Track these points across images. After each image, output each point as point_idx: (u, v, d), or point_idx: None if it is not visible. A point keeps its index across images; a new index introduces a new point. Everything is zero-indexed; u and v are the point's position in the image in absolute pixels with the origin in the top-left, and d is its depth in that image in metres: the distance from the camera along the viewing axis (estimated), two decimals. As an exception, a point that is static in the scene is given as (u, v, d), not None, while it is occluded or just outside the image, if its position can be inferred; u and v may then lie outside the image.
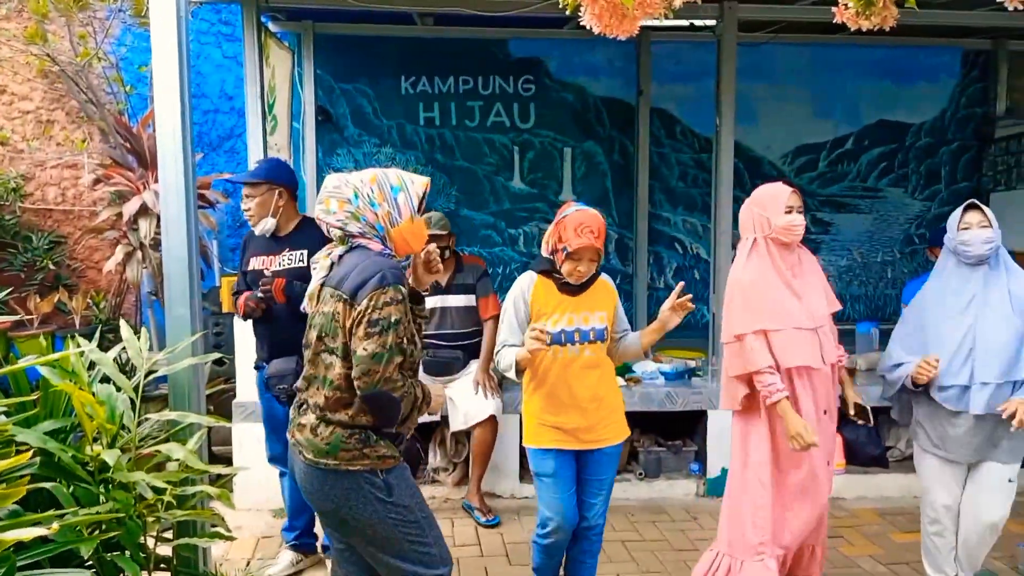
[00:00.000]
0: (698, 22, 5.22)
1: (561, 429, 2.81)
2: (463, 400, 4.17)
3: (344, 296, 2.11)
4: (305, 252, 3.27)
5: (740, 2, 4.42)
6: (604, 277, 2.92)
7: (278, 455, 3.45)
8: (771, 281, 2.83)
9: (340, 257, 2.23)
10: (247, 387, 4.18)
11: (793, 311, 2.80)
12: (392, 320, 2.07)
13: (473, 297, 4.28)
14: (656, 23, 5.53)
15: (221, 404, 4.49)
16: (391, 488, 2.17)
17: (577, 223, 2.69)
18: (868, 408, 2.94)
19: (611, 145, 6.09)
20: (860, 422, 2.94)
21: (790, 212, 2.83)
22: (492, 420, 4.13)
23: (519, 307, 2.82)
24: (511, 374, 2.79)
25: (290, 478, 3.39)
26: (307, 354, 2.25)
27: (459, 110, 5.94)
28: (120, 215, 4.54)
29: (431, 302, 4.20)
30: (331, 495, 2.16)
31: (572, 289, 2.80)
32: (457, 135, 5.97)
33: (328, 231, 2.26)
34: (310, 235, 3.23)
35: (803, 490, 2.87)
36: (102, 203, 4.99)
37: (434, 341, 4.27)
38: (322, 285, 2.23)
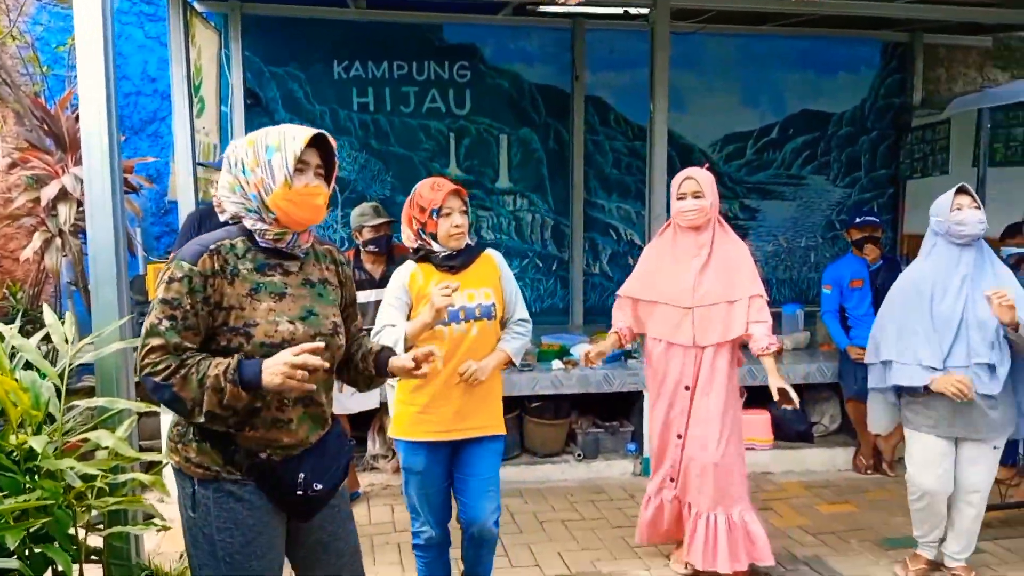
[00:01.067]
0: (632, 10, 5.30)
1: (436, 417, 2.63)
2: (402, 386, 4.14)
3: None
4: None
5: (671, -10, 4.51)
6: (489, 251, 2.80)
7: None
8: (661, 259, 3.16)
9: None
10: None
11: (669, 289, 3.10)
12: (158, 299, 1.75)
13: None
14: (591, 10, 5.62)
15: (147, 398, 4.34)
16: (196, 503, 1.82)
17: (428, 185, 2.65)
18: (790, 391, 3.02)
19: (547, 132, 6.13)
20: (787, 407, 3.05)
21: (683, 199, 3.05)
22: (431, 405, 4.11)
23: (400, 296, 2.66)
24: (399, 350, 2.38)
25: None
26: None
27: (394, 96, 5.88)
28: (38, 200, 4.34)
29: (367, 296, 4.14)
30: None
31: (452, 268, 2.67)
32: (392, 121, 5.90)
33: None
34: None
35: (665, 452, 3.23)
36: (17, 189, 4.75)
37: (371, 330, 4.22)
38: None
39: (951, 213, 3.03)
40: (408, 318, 2.64)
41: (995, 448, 3.13)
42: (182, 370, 1.71)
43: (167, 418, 4.02)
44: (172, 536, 3.54)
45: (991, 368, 2.96)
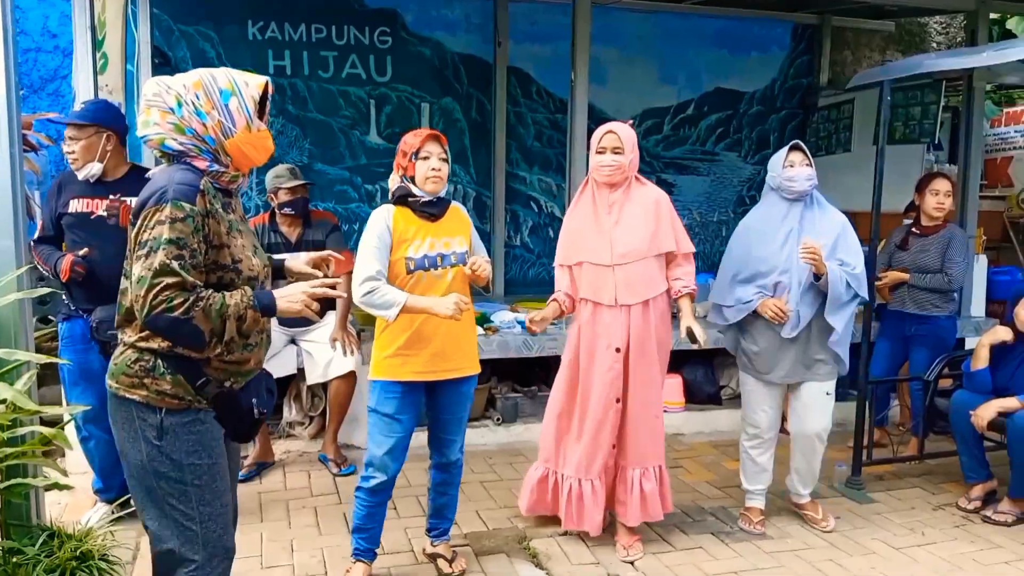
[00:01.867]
0: (553, -19, 5.33)
1: (416, 358, 2.76)
2: (321, 353, 4.10)
3: (132, 218, 1.91)
4: (135, 200, 3.08)
5: (593, -38, 4.56)
6: (456, 204, 2.95)
7: (90, 416, 3.16)
8: (582, 218, 3.15)
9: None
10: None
11: (592, 247, 3.10)
12: (163, 239, 1.78)
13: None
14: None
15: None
16: (164, 432, 1.87)
17: (411, 133, 2.83)
18: (697, 332, 3.15)
19: (469, 102, 6.11)
20: (693, 345, 3.18)
21: (602, 152, 3.07)
22: (351, 374, 4.09)
23: (383, 236, 2.74)
24: (388, 313, 2.65)
25: (98, 438, 3.23)
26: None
27: (312, 60, 5.74)
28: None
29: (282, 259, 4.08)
30: (114, 420, 1.93)
31: (430, 215, 2.80)
32: (310, 86, 5.76)
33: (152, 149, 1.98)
34: (141, 183, 3.06)
35: (588, 419, 3.17)
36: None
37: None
38: None
39: (783, 169, 3.24)
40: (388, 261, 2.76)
41: (827, 394, 3.39)
42: (200, 303, 1.80)
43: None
44: (76, 506, 3.43)
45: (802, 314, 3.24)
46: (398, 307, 2.63)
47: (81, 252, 3.14)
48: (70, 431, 3.31)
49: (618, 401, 3.15)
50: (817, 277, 3.20)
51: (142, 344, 1.88)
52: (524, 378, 4.80)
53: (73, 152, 3.19)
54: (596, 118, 6.18)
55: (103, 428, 3.06)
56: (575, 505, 3.23)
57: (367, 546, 2.93)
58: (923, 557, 3.29)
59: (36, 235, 3.34)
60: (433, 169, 2.74)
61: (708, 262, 6.78)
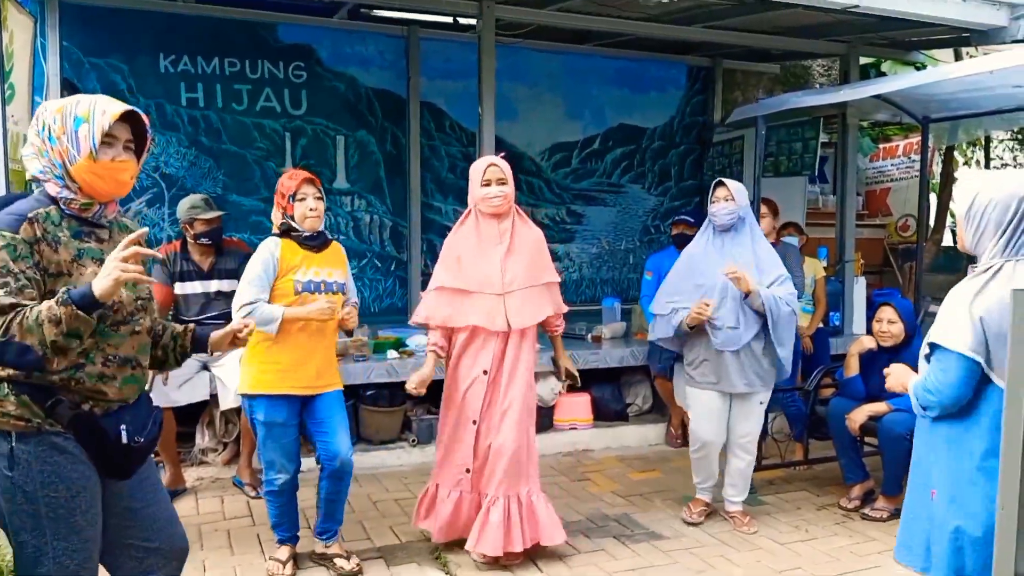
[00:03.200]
0: (463, 20, 5.61)
1: (299, 375, 3.06)
2: (233, 378, 4.13)
3: None
4: None
5: (497, 3, 4.85)
6: (336, 243, 3.30)
7: None
8: (467, 247, 3.25)
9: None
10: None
11: (478, 277, 3.20)
12: None
13: (236, 282, 4.20)
14: (423, 18, 5.87)
15: None
16: (15, 461, 1.79)
17: (287, 175, 3.17)
18: (573, 370, 3.50)
19: (383, 135, 6.29)
20: (568, 382, 3.50)
21: (487, 185, 3.21)
22: (264, 396, 4.14)
23: (268, 265, 3.05)
24: (271, 327, 2.98)
25: None
26: None
27: (225, 93, 5.82)
28: None
29: (193, 287, 4.14)
30: None
31: (312, 246, 3.14)
32: (224, 118, 5.83)
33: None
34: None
35: (460, 439, 3.27)
36: None
37: (201, 322, 4.19)
38: None
39: (710, 204, 3.64)
40: (271, 291, 3.05)
41: (760, 403, 3.72)
42: (17, 318, 1.71)
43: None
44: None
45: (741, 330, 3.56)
46: (278, 320, 2.97)
47: None
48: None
49: (474, 423, 3.23)
50: (746, 295, 3.52)
51: None
52: (438, 400, 4.92)
53: None
54: (506, 151, 6.47)
55: None
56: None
57: (288, 534, 3.24)
58: (805, 550, 3.57)
59: None
60: (311, 209, 3.07)
61: (617, 288, 7.11)
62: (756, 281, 3.51)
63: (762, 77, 7.54)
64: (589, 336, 5.48)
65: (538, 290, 3.29)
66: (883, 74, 7.22)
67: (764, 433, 4.62)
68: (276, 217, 3.16)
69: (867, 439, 4.09)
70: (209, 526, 3.70)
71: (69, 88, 5.38)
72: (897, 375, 2.41)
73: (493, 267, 3.20)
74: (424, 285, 6.38)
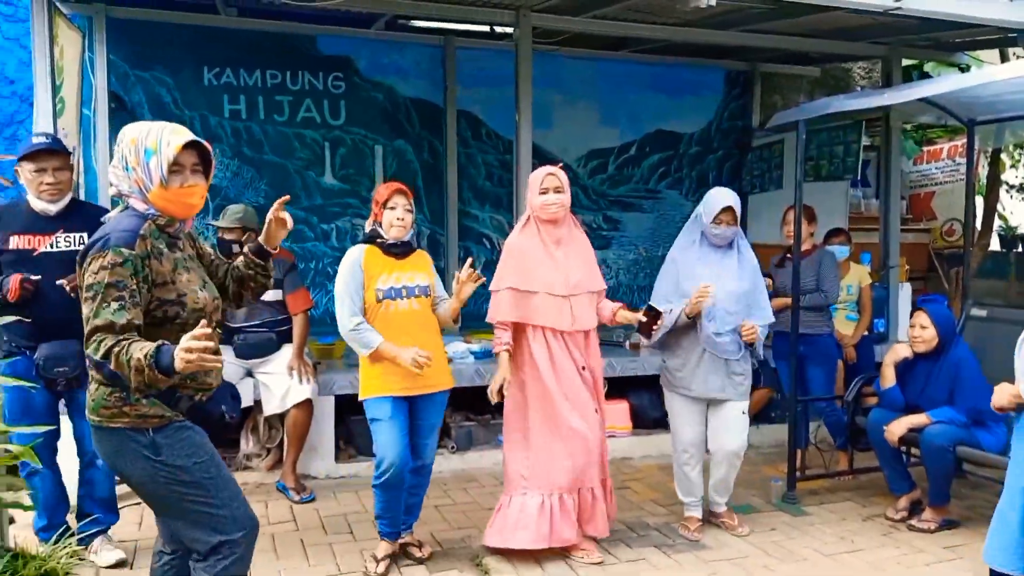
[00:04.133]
0: (499, 29, 5.64)
1: (396, 376, 3.18)
2: (278, 383, 4.21)
3: (79, 259, 2.08)
4: (85, 235, 3.11)
5: (534, 11, 4.87)
6: (422, 251, 3.44)
7: (37, 447, 3.00)
8: (533, 251, 3.36)
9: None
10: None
11: (547, 278, 3.33)
12: (104, 283, 1.96)
13: (280, 292, 4.26)
14: (460, 27, 5.91)
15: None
16: (159, 447, 2.08)
17: (383, 185, 3.38)
18: (653, 311, 3.45)
19: (421, 144, 6.35)
20: (649, 318, 3.43)
21: (545, 193, 3.34)
22: (308, 403, 4.20)
23: (355, 273, 3.20)
24: (363, 351, 3.18)
25: (44, 473, 3.17)
26: None
27: (267, 104, 5.92)
28: None
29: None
30: (104, 451, 2.15)
31: (396, 253, 3.25)
32: (266, 129, 5.94)
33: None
34: (84, 216, 3.20)
35: (558, 436, 3.33)
36: None
37: (245, 329, 4.27)
38: None
39: (711, 224, 3.59)
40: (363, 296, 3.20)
41: (743, 412, 3.70)
42: (115, 348, 1.94)
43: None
44: (34, 539, 3.46)
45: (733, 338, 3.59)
46: (372, 349, 3.15)
47: (34, 277, 3.09)
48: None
49: (596, 411, 3.45)
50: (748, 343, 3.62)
51: (111, 380, 2.04)
52: (477, 407, 4.95)
53: (60, 183, 3.18)
54: (542, 158, 6.47)
55: (48, 463, 3.12)
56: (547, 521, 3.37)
57: (390, 529, 3.34)
58: (851, 562, 3.50)
59: None
60: (398, 218, 3.21)
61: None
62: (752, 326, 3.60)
63: (802, 80, 7.44)
64: (627, 343, 5.45)
65: (594, 296, 3.46)
66: (926, 76, 7.09)
67: (806, 442, 4.56)
68: (368, 223, 3.35)
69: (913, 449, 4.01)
70: (253, 531, 3.75)
71: (116, 101, 5.54)
72: (1001, 392, 2.36)
73: (558, 270, 3.35)
74: (462, 292, 6.52)
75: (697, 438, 3.72)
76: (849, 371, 4.95)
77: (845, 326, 5.09)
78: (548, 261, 3.35)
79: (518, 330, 3.39)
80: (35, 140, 3.31)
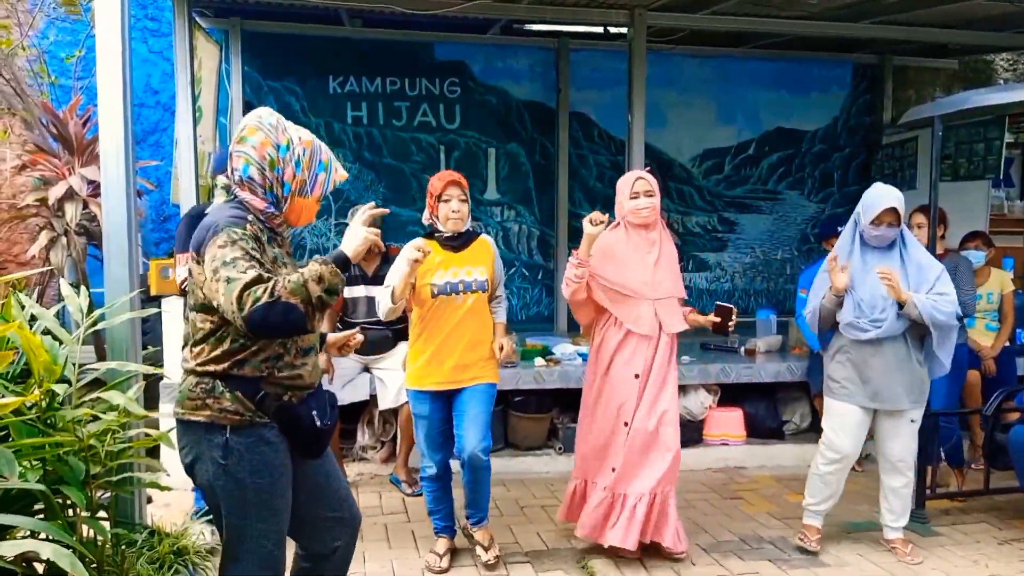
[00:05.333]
0: (613, 29, 5.60)
1: (439, 369, 3.18)
2: (393, 380, 4.34)
3: (194, 255, 2.06)
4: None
5: (649, 10, 4.81)
6: (485, 236, 3.36)
7: None
8: (620, 251, 3.29)
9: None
10: (176, 370, 4.23)
11: (631, 280, 3.26)
12: (230, 255, 1.94)
13: None
14: (574, 29, 5.92)
15: (148, 388, 4.51)
16: (230, 451, 2.01)
17: (437, 176, 3.25)
18: (729, 310, 3.38)
19: (533, 146, 6.40)
20: (721, 318, 3.37)
21: (636, 197, 3.26)
22: (419, 399, 4.31)
23: (409, 260, 3.09)
24: (387, 301, 3.07)
25: None
26: None
27: (386, 110, 6.15)
28: (45, 200, 4.55)
29: (358, 291, 4.36)
30: (180, 447, 2.09)
31: (454, 246, 3.22)
32: (384, 134, 6.16)
33: (228, 168, 2.14)
34: None
35: (612, 440, 3.32)
36: (25, 190, 4.96)
37: (364, 326, 4.43)
38: None
39: (870, 225, 3.33)
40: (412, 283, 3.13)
41: (912, 421, 3.42)
42: (279, 281, 1.91)
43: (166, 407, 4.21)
44: (170, 513, 3.72)
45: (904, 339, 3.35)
46: (391, 294, 3.05)
47: None
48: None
49: (626, 425, 3.31)
50: (901, 306, 3.29)
51: (200, 368, 2.04)
52: (585, 409, 4.93)
53: None
54: (655, 158, 6.41)
55: None
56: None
57: (444, 524, 3.38)
58: (987, 589, 3.25)
59: None
60: (453, 211, 3.17)
61: (772, 299, 6.82)
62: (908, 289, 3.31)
63: (939, 74, 6.98)
64: (743, 349, 5.29)
65: (678, 302, 3.39)
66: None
67: (937, 458, 4.27)
68: (426, 217, 3.30)
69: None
70: (368, 520, 3.87)
71: (249, 110, 5.88)
72: None
73: (646, 273, 3.29)
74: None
75: (854, 450, 3.47)
76: (988, 384, 4.59)
77: (984, 336, 4.73)
78: (637, 264, 3.28)
79: (597, 322, 3.38)
80: None
